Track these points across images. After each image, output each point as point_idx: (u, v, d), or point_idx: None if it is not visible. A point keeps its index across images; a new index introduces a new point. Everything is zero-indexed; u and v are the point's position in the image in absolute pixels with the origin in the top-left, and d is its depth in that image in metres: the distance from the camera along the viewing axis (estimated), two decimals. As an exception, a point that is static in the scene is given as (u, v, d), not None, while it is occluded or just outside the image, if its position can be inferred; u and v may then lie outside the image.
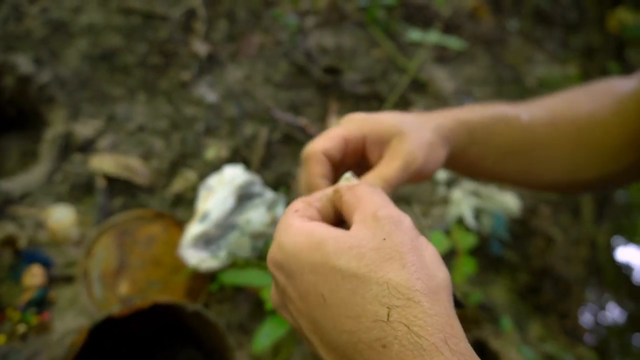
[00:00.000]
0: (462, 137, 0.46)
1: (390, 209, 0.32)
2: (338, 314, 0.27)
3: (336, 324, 0.27)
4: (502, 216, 1.22)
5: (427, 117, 0.46)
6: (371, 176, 0.41)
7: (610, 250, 1.82)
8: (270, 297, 0.35)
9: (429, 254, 0.30)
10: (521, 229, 1.28)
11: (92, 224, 0.94)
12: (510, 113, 0.49)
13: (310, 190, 0.40)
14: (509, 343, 1.02)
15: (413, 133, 0.42)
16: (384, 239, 0.29)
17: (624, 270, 1.79)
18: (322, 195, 0.36)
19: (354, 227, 0.31)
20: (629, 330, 1.61)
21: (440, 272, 0.30)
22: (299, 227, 0.31)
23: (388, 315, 0.26)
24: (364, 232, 0.30)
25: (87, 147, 1.04)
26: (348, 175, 0.39)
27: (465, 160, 0.48)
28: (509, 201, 1.24)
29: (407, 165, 0.41)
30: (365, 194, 0.33)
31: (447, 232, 1.08)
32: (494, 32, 2.04)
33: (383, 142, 0.42)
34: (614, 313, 1.65)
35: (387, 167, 0.41)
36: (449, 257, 1.06)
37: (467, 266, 0.95)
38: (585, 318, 1.59)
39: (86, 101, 1.10)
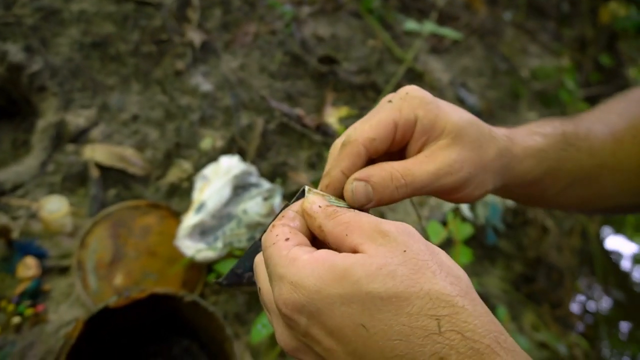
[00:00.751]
0: (529, 168, 0.41)
1: (389, 222, 0.30)
2: (384, 339, 0.26)
3: (384, 350, 0.26)
4: (497, 206, 1.22)
5: (496, 134, 0.39)
6: (395, 168, 0.35)
7: (600, 240, 1.84)
8: (280, 342, 0.31)
9: (443, 256, 0.29)
10: (515, 219, 1.29)
11: (86, 215, 0.93)
12: (580, 132, 0.44)
13: (326, 175, 0.37)
14: (504, 332, 1.03)
15: (472, 143, 0.37)
16: (405, 251, 0.28)
17: (613, 260, 1.82)
18: (293, 213, 0.34)
19: (365, 248, 0.28)
20: (617, 318, 1.64)
21: (460, 271, 0.29)
22: (311, 261, 0.28)
23: (439, 326, 0.25)
24: (380, 250, 0.28)
25: (80, 137, 1.03)
26: (307, 188, 0.35)
27: (528, 191, 0.44)
28: (504, 192, 1.24)
29: (442, 176, 0.36)
30: (351, 218, 0.31)
31: (444, 222, 1.09)
32: (488, 23, 2.04)
33: (433, 135, 0.36)
34: (603, 301, 1.67)
35: (418, 167, 0.36)
36: (445, 247, 1.07)
37: (464, 256, 0.95)
38: (577, 306, 1.61)
39: (78, 90, 1.08)
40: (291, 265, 0.29)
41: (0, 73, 1.03)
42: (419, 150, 0.37)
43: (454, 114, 0.37)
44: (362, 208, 0.36)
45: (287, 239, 0.31)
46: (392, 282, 0.26)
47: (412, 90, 0.38)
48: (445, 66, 1.73)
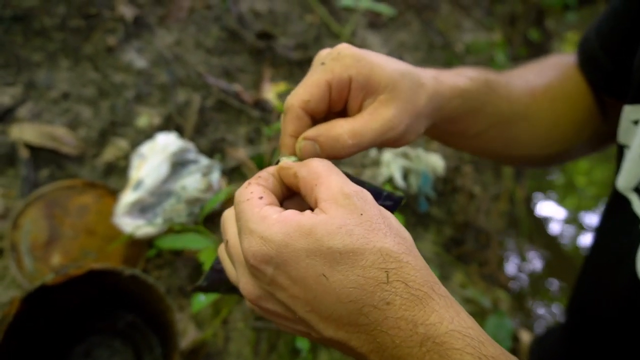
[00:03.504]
0: (455, 106, 0.45)
1: (351, 185, 0.34)
2: (341, 287, 0.30)
3: (340, 296, 0.30)
4: (428, 175, 1.30)
5: (426, 78, 0.42)
6: (344, 128, 0.38)
7: (527, 204, 2.00)
8: (244, 290, 0.35)
9: (393, 220, 0.34)
10: (446, 187, 1.38)
11: (17, 197, 0.91)
12: (501, 81, 0.49)
13: (282, 146, 0.40)
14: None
15: (406, 94, 0.39)
16: (361, 214, 0.32)
17: (540, 223, 1.99)
18: (268, 174, 0.37)
19: (328, 207, 0.32)
20: (544, 276, 1.81)
21: (405, 233, 0.34)
22: (280, 220, 0.32)
23: (387, 277, 0.30)
24: (341, 211, 0.32)
25: (6, 116, 0.99)
26: (282, 159, 0.38)
27: (452, 129, 0.47)
28: (434, 161, 1.32)
29: (385, 132, 0.39)
30: (323, 170, 0.34)
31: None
32: (424, -2, 2.10)
33: (370, 91, 0.39)
34: (530, 261, 1.84)
35: (364, 126, 0.38)
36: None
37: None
38: (505, 266, 1.76)
39: (0, 67, 1.03)
40: (262, 221, 0.32)
41: None
42: (360, 105, 0.40)
43: (387, 67, 0.39)
44: None
45: (260, 197, 0.34)
46: (350, 239, 0.31)
47: (343, 49, 0.39)
48: (383, 41, 1.78)
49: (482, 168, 1.66)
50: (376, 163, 1.28)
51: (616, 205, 0.47)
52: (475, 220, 1.44)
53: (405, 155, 1.31)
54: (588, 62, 0.53)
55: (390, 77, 0.39)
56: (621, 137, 0.46)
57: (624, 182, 0.44)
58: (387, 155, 1.27)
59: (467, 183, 1.42)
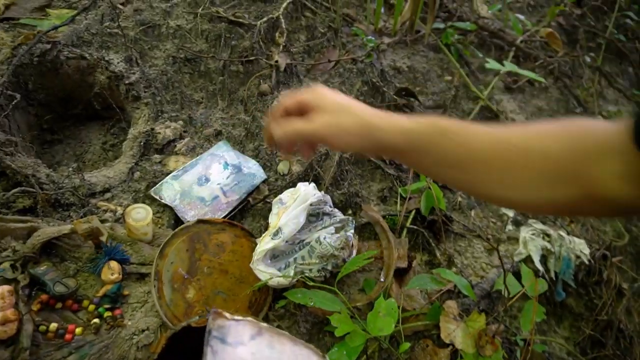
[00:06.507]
0: (398, 141, 0.52)
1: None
2: None
3: None
4: (571, 261, 1.16)
5: (363, 113, 0.54)
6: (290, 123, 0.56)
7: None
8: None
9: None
10: (589, 278, 1.22)
11: (164, 225, 0.96)
12: (454, 127, 0.52)
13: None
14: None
15: (331, 113, 0.54)
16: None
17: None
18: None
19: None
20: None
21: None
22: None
23: None
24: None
25: (166, 147, 1.07)
26: None
27: (406, 160, 0.56)
28: (579, 247, 1.18)
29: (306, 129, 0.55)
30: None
31: (514, 273, 1.05)
32: (566, 64, 1.97)
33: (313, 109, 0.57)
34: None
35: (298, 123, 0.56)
36: (518, 300, 1.02)
37: (537, 314, 0.91)
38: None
39: (168, 102, 1.13)
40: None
41: (102, 80, 1.09)
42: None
43: (329, 99, 0.56)
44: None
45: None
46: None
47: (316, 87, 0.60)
48: (519, 106, 1.68)
49: (626, 256, 1.46)
50: (512, 239, 1.17)
51: None
52: (619, 319, 1.25)
53: (546, 235, 1.18)
54: None
55: (325, 104, 0.56)
56: None
57: None
58: (525, 232, 1.16)
59: (613, 276, 1.24)
